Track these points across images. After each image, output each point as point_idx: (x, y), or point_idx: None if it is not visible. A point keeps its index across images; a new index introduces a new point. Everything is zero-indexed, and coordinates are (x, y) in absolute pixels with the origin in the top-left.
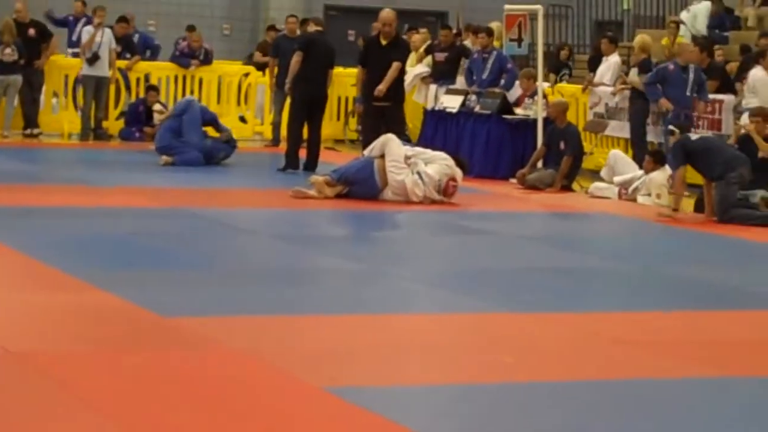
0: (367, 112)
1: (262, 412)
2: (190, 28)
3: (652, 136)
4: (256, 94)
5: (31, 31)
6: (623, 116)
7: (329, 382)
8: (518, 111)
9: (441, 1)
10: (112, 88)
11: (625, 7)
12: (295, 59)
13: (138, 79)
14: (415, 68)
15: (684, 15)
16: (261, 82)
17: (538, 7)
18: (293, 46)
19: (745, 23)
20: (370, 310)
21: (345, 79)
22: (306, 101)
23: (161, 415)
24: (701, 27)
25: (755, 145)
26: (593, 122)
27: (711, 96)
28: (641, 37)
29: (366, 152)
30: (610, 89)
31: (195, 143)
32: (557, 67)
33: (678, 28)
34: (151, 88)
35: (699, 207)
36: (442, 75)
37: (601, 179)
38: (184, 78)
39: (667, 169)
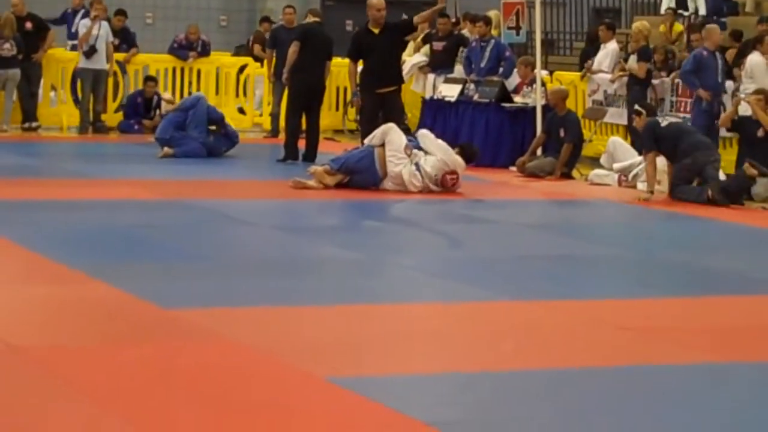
0: (366, 101)
1: (265, 403)
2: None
3: None
4: (254, 85)
5: (28, 25)
6: (622, 103)
7: (331, 372)
8: (517, 99)
9: None
10: (110, 81)
11: None
12: (293, 49)
13: (136, 72)
14: (413, 58)
15: None
16: (259, 74)
17: None
18: (291, 37)
19: (743, 9)
20: (372, 299)
21: (344, 69)
22: (304, 92)
23: (163, 407)
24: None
25: (753, 125)
26: (592, 109)
27: None
28: (639, 24)
29: (366, 141)
30: (609, 76)
31: (196, 137)
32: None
33: (674, 15)
34: (149, 79)
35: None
36: (439, 64)
37: (601, 166)
38: (183, 70)
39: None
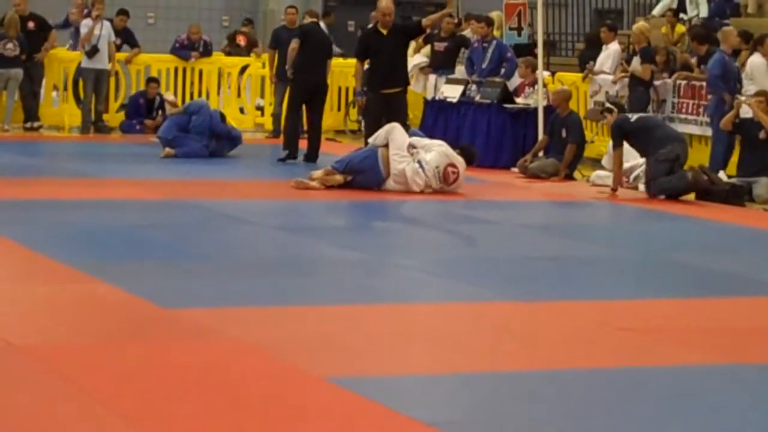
0: (371, 101)
1: (265, 402)
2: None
3: None
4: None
5: (31, 24)
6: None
7: (331, 372)
8: (518, 100)
9: None
10: (112, 81)
11: None
12: (293, 46)
13: (138, 72)
14: (414, 58)
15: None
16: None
17: None
18: (293, 37)
19: (745, 10)
20: (373, 299)
21: (346, 70)
22: (304, 92)
23: (164, 406)
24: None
25: (755, 127)
26: (594, 111)
27: None
28: (640, 25)
29: (370, 141)
30: (611, 77)
31: (198, 140)
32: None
33: (675, 16)
34: (152, 80)
35: (700, 197)
36: (441, 65)
37: (603, 168)
38: (184, 70)
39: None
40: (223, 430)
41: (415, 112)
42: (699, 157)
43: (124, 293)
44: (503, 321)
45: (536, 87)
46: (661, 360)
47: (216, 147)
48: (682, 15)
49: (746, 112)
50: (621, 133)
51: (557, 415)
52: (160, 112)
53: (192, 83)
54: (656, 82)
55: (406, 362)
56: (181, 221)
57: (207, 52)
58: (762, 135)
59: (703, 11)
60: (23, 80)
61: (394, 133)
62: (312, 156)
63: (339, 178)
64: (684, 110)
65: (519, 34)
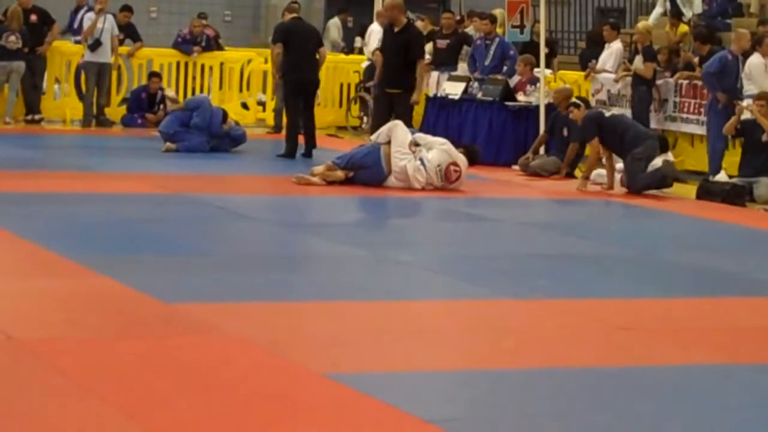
0: (378, 97)
1: (263, 398)
2: (201, 16)
3: (655, 122)
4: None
5: (33, 17)
6: (625, 103)
7: (330, 369)
8: (520, 98)
9: None
10: (114, 75)
11: None
12: (276, 51)
13: (140, 66)
14: None
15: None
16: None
17: None
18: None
19: (747, 10)
20: (373, 296)
21: (347, 66)
22: (297, 90)
23: (162, 401)
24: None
25: (758, 129)
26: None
27: None
28: (642, 24)
29: (373, 138)
30: (613, 76)
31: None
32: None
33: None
34: (154, 75)
35: (701, 194)
36: (443, 62)
37: (603, 166)
38: (186, 65)
39: (670, 155)
40: (221, 426)
41: (416, 109)
42: (700, 156)
43: (124, 287)
44: (503, 318)
45: (537, 85)
46: (660, 359)
47: (217, 144)
48: (682, 18)
49: (748, 113)
50: (597, 125)
51: (556, 413)
52: (161, 106)
53: (194, 78)
54: (658, 81)
55: (405, 359)
56: (182, 216)
57: (210, 46)
58: (764, 138)
59: (697, 8)
60: (25, 73)
61: (396, 130)
62: (308, 152)
63: (340, 174)
64: (685, 110)
65: (521, 32)
